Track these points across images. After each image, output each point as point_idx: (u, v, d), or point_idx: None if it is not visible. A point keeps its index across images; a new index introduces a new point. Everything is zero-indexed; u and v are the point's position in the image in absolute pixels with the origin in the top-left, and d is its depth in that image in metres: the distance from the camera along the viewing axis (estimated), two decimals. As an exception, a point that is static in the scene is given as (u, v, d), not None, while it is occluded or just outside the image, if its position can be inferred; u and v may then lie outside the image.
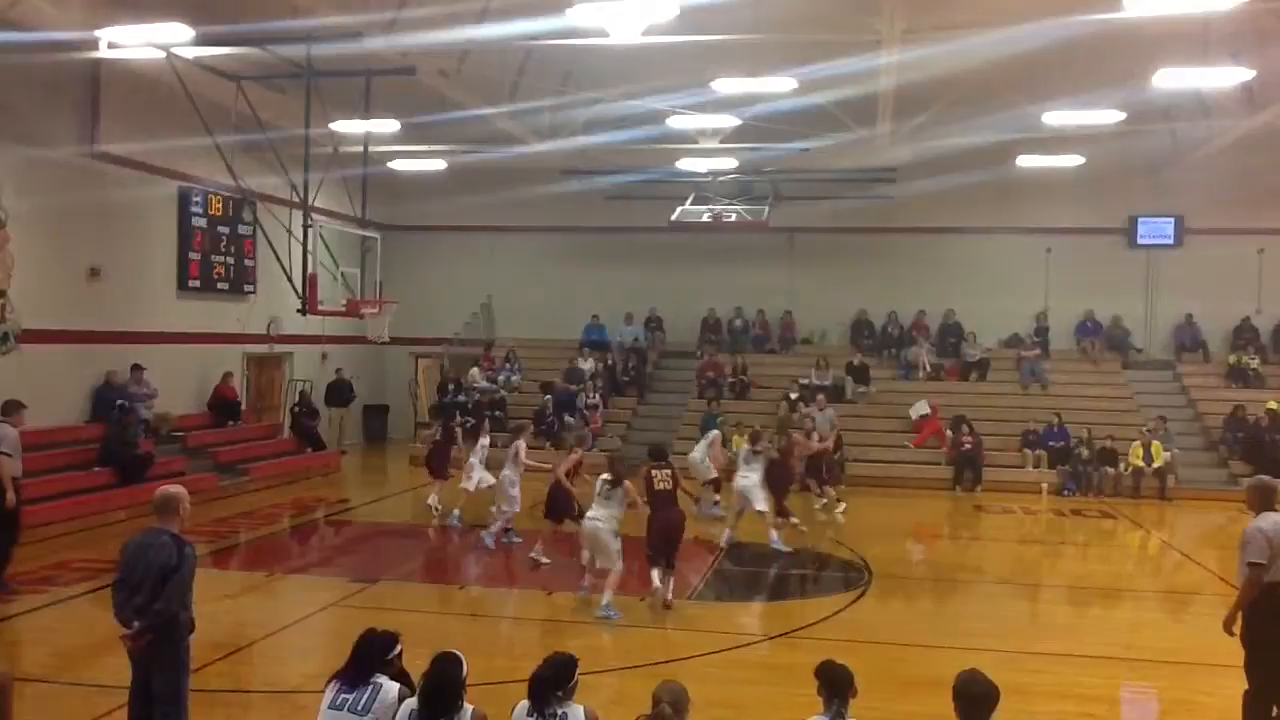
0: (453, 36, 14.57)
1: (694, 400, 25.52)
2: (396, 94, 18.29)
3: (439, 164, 24.06)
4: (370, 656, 5.60)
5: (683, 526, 11.83)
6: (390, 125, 19.68)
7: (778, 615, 11.81)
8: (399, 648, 5.75)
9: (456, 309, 28.07)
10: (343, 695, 5.48)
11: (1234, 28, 13.78)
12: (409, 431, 27.40)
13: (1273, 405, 22.90)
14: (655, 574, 11.56)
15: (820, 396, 22.58)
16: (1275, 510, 7.78)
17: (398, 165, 23.85)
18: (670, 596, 11.58)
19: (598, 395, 25.49)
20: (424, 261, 27.68)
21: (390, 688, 5.49)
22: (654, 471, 11.66)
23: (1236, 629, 7.67)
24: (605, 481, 11.34)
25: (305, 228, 17.66)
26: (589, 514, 11.43)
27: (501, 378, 26.38)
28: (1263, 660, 7.50)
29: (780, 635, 10.80)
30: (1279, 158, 20.49)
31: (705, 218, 24.61)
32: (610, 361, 26.83)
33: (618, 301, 27.63)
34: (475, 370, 26.29)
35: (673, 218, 24.57)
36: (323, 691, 5.67)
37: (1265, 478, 8.40)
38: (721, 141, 21.45)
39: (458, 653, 5.31)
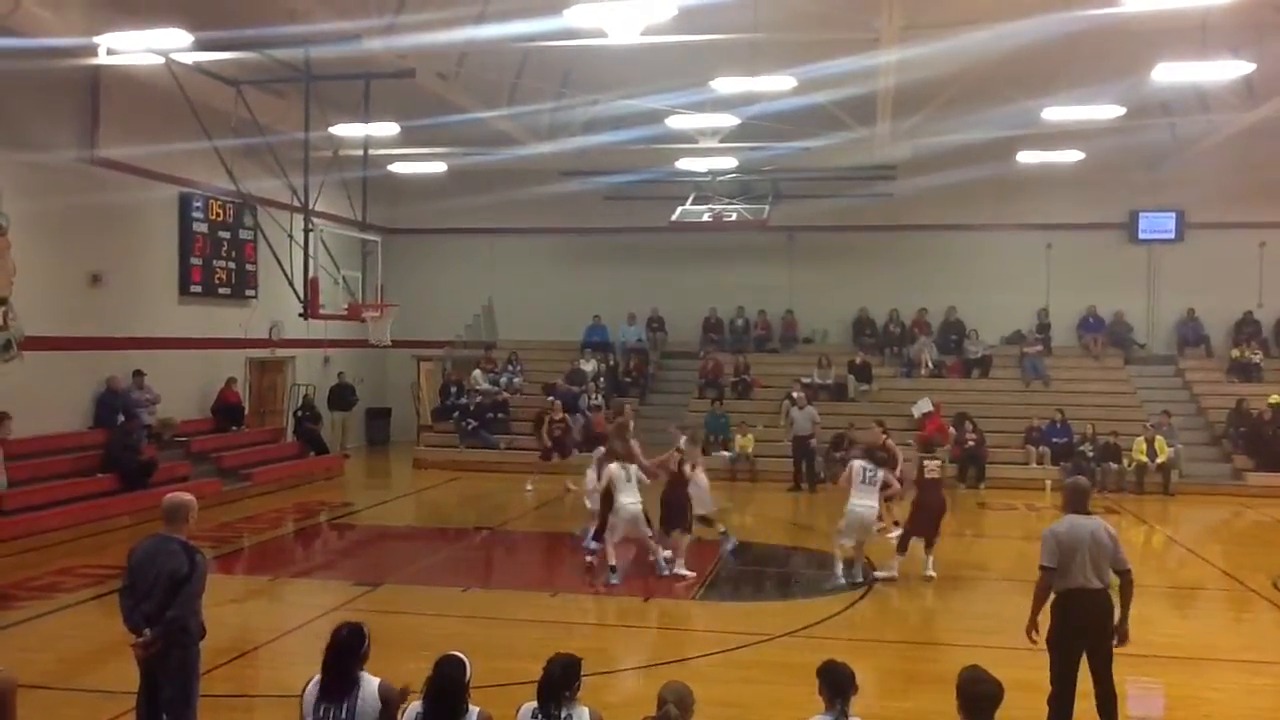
0: (451, 39, 14.57)
1: (696, 400, 25.51)
2: (396, 97, 18.29)
3: (439, 166, 24.07)
4: (349, 658, 5.43)
5: (944, 509, 13.67)
6: (390, 128, 19.69)
7: (781, 615, 11.78)
8: (367, 642, 5.50)
9: (458, 311, 28.08)
10: (325, 705, 5.30)
11: (1233, 22, 13.76)
12: (412, 434, 27.42)
13: (1275, 399, 22.86)
14: (929, 559, 13.21)
15: (799, 395, 22.45)
16: (1085, 514, 7.71)
17: (398, 168, 23.86)
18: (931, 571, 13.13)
19: (600, 396, 25.48)
20: (425, 264, 27.71)
21: (370, 681, 5.37)
22: (926, 462, 13.51)
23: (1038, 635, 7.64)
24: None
25: (306, 232, 17.67)
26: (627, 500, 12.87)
27: (504, 380, 26.38)
28: (1057, 664, 7.53)
29: (784, 635, 10.78)
30: (1276, 152, 20.46)
31: (705, 217, 24.60)
32: (612, 362, 26.83)
33: (619, 302, 27.63)
34: (477, 372, 26.29)
35: (673, 218, 24.56)
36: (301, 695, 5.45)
37: (1080, 479, 8.22)
38: (721, 141, 21.46)
39: (461, 655, 5.30)
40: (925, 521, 13.33)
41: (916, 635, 11.08)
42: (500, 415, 25.24)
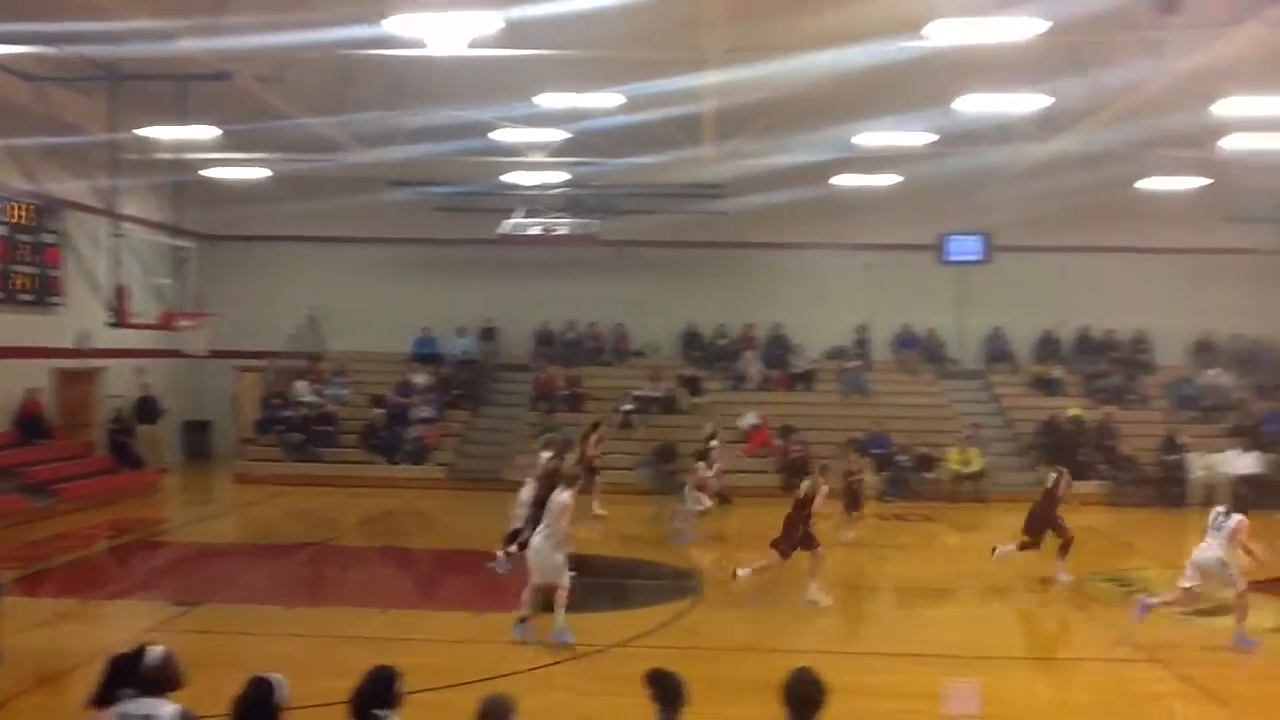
0: (269, 42, 14.13)
1: (529, 413, 25.47)
2: (216, 100, 17.66)
3: (263, 172, 23.33)
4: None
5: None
6: (209, 131, 18.99)
7: (615, 625, 11.87)
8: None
9: (283, 321, 27.20)
10: None
11: (1032, 57, 14.64)
12: (234, 448, 26.42)
13: (1073, 412, 24.44)
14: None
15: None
16: None
17: (218, 173, 23.01)
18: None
19: (431, 409, 25.16)
20: (249, 272, 26.81)
21: (165, 708, 5.13)
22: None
23: None
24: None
25: (113, 236, 16.84)
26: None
27: (330, 392, 25.74)
28: None
29: (616, 645, 10.87)
30: (1075, 180, 21.81)
31: (535, 231, 24.55)
32: (443, 374, 26.53)
33: (450, 314, 27.34)
34: (302, 384, 25.57)
35: (501, 230, 24.43)
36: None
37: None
38: (551, 155, 21.51)
39: (273, 676, 5.15)
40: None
41: (747, 642, 11.32)
42: (327, 428, 24.63)
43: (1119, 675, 10.63)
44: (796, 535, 12.96)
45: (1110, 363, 26.67)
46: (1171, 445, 23.14)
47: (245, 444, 25.66)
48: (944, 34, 12.70)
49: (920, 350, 27.39)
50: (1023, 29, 12.70)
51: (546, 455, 14.58)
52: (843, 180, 23.20)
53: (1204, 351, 26.76)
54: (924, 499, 22.08)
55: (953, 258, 27.40)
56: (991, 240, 27.08)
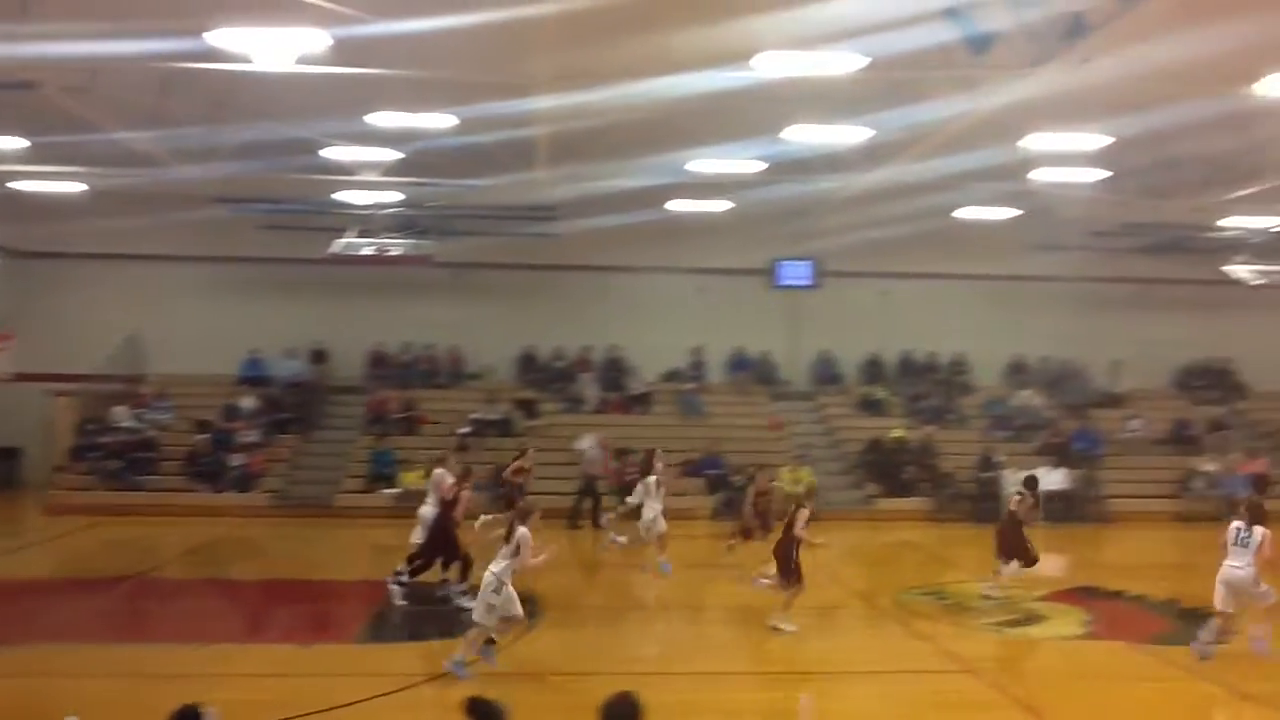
0: (78, 51, 13.46)
1: (363, 437, 24.94)
2: (23, 110, 16.75)
3: (77, 186, 22.21)
4: None
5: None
6: (16, 143, 17.99)
7: (444, 653, 11.68)
8: None
9: (101, 342, 25.80)
10: None
11: (856, 91, 15.23)
12: (46, 477, 24.91)
13: (897, 432, 25.40)
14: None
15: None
16: None
17: (27, 186, 21.80)
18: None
19: (258, 433, 24.36)
20: (62, 290, 25.48)
21: None
22: None
23: None
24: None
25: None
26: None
27: (151, 416, 24.64)
28: None
29: (445, 674, 10.70)
30: (898, 209, 22.73)
31: (368, 251, 24.03)
32: (272, 397, 25.72)
33: (279, 334, 26.55)
34: (120, 408, 24.41)
35: (332, 249, 23.83)
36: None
37: None
38: (385, 175, 21.16)
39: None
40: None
41: (579, 666, 11.30)
42: (147, 455, 23.57)
43: (936, 687, 11.04)
44: (795, 560, 12.90)
45: (931, 384, 27.84)
46: (987, 463, 24.26)
47: (58, 472, 24.28)
48: (770, 66, 13.10)
49: (753, 372, 28.01)
50: (845, 64, 13.22)
51: (443, 474, 14.44)
52: (677, 205, 23.58)
53: (1017, 373, 28.22)
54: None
55: (784, 282, 28.16)
56: (820, 266, 27.94)
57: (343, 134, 18.06)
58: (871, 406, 27.11)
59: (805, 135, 16.91)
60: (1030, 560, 14.69)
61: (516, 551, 10.49)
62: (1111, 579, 17.00)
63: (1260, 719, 10.03)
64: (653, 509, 16.53)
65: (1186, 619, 13.82)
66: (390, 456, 23.51)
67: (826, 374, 28.21)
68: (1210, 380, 28.38)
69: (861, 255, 26.41)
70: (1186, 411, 27.19)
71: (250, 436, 24.22)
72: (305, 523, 21.81)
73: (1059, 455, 24.73)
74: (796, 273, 28.10)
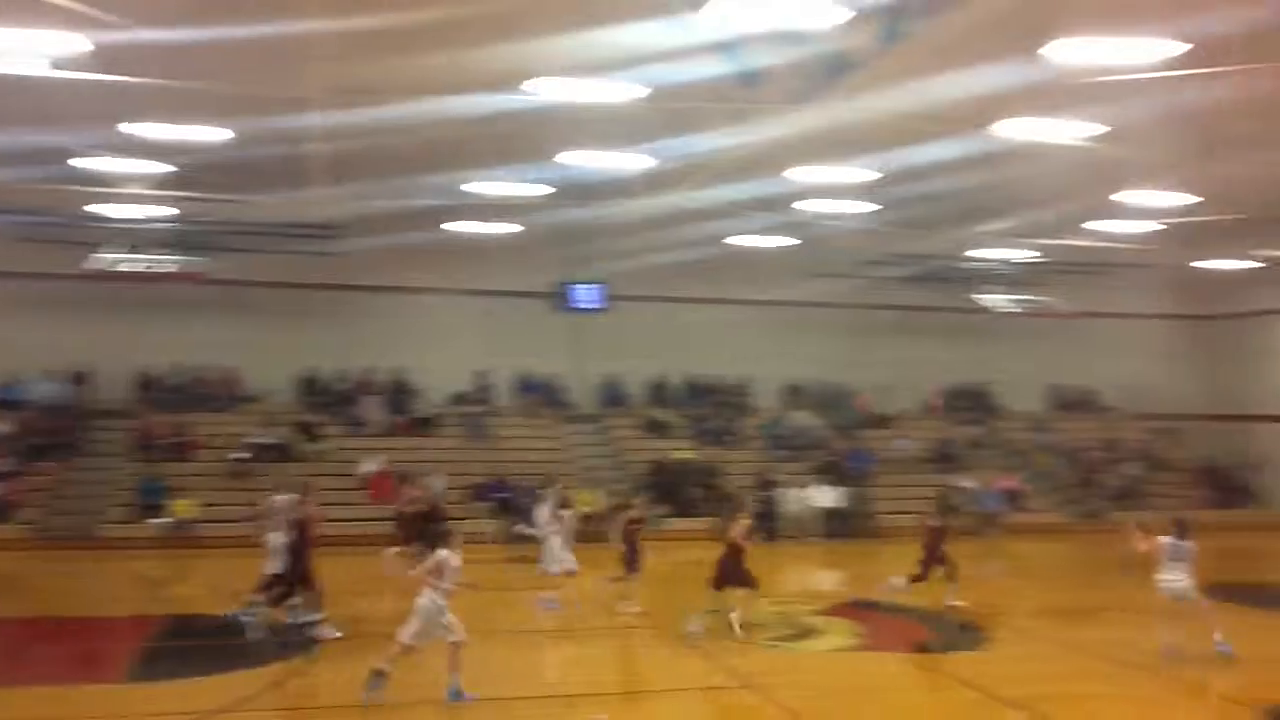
0: None
1: (129, 463, 23.59)
2: None
3: None
4: None
5: None
6: None
7: (216, 689, 11.13)
8: None
9: None
10: None
11: (637, 119, 15.56)
12: None
13: (682, 453, 25.99)
14: None
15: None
16: None
17: None
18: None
19: (12, 460, 22.67)
20: None
21: None
22: None
23: None
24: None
25: None
26: None
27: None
28: None
29: (217, 711, 10.21)
30: (681, 235, 23.30)
31: (133, 267, 22.63)
32: (27, 422, 23.98)
33: (36, 355, 24.77)
34: None
35: (92, 265, 22.37)
36: None
37: None
38: (154, 188, 20.10)
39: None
40: None
41: (356, 698, 10.97)
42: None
43: (716, 704, 11.33)
44: (743, 570, 13.87)
45: (714, 406, 28.62)
46: (766, 482, 25.13)
47: None
48: (547, 91, 13.24)
49: (541, 395, 28.09)
50: (622, 92, 13.50)
51: (285, 500, 14.19)
52: (459, 226, 23.31)
53: (794, 395, 29.37)
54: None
55: (574, 305, 28.41)
56: (609, 290, 28.33)
57: (106, 144, 17.07)
58: (657, 428, 27.64)
59: (584, 160, 17.15)
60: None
61: (441, 574, 10.34)
62: (883, 592, 17.84)
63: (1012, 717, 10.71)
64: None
65: (951, 627, 14.69)
66: (159, 484, 22.35)
67: (613, 396, 28.57)
68: (968, 401, 30.31)
69: (647, 280, 26.95)
70: (947, 431, 28.93)
71: (4, 465, 22.52)
72: (67, 555, 20.45)
73: (833, 474, 25.87)
74: (585, 296, 28.41)
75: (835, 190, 19.58)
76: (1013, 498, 26.07)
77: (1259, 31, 11.32)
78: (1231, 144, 16.33)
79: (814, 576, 20.81)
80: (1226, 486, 28.63)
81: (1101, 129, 15.07)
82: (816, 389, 29.45)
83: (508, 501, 23.54)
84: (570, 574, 17.83)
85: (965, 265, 26.82)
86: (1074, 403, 31.12)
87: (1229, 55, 12.52)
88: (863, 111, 14.68)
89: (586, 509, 23.29)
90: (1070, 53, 11.63)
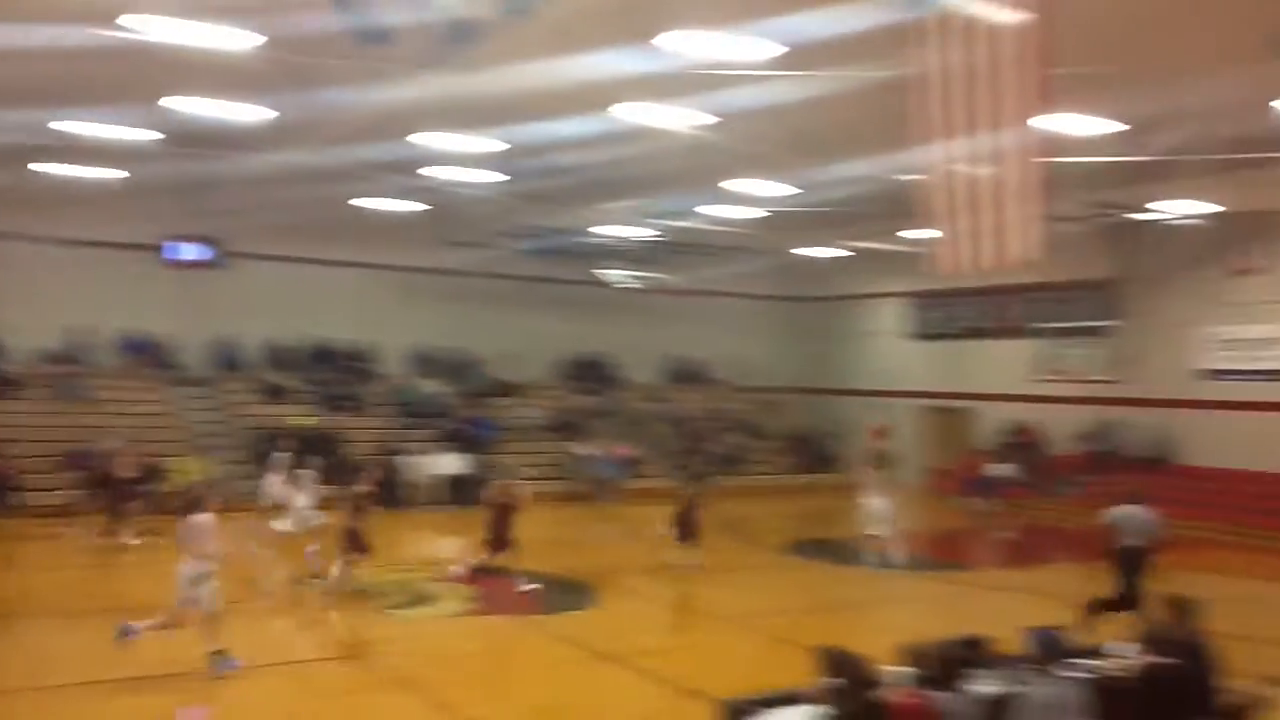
0: None
1: None
2: None
3: None
4: None
5: None
6: None
7: None
8: None
9: None
10: None
11: (255, 68, 14.71)
12: None
13: (302, 420, 25.10)
14: None
15: None
16: None
17: None
18: None
19: None
20: None
21: None
22: None
23: None
24: None
25: None
26: None
27: None
28: None
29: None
30: (305, 193, 22.32)
31: None
32: None
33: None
34: None
35: None
36: None
37: None
38: None
39: None
40: None
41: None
42: None
43: (317, 675, 11.10)
44: (507, 535, 14.91)
45: (339, 372, 27.87)
46: (392, 450, 24.81)
47: None
48: (147, 29, 12.20)
49: (148, 355, 26.08)
50: (237, 39, 12.71)
51: None
52: (48, 168, 20.98)
53: (421, 362, 29.18)
54: (152, 513, 20.84)
55: (179, 259, 26.53)
56: (223, 246, 26.72)
57: None
58: (275, 393, 26.51)
59: (195, 108, 16.02)
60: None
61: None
62: (499, 557, 18.19)
63: (608, 673, 11.26)
64: None
65: (562, 589, 15.24)
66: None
67: (227, 359, 27.06)
68: (589, 372, 31.45)
69: (271, 238, 25.72)
70: (568, 401, 29.88)
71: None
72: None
73: (459, 441, 25.99)
74: (194, 252, 26.62)
75: (463, 158, 19.54)
76: (629, 464, 27.35)
77: (847, 40, 12.42)
78: (824, 141, 17.95)
79: (435, 544, 20.84)
80: (814, 453, 31.59)
81: (710, 119, 16.00)
82: (444, 356, 29.41)
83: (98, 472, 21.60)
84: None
85: (589, 241, 27.70)
86: (687, 375, 33.10)
87: (820, 59, 13.77)
88: (489, 82, 14.73)
89: (194, 478, 22.01)
90: (682, 44, 12.23)
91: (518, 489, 16.14)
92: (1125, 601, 11.94)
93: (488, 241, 27.52)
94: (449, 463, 25.15)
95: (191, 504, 10.79)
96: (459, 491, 24.25)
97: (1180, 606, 7.82)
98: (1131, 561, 12.20)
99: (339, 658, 11.89)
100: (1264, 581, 17.61)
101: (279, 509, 17.47)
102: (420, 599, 14.58)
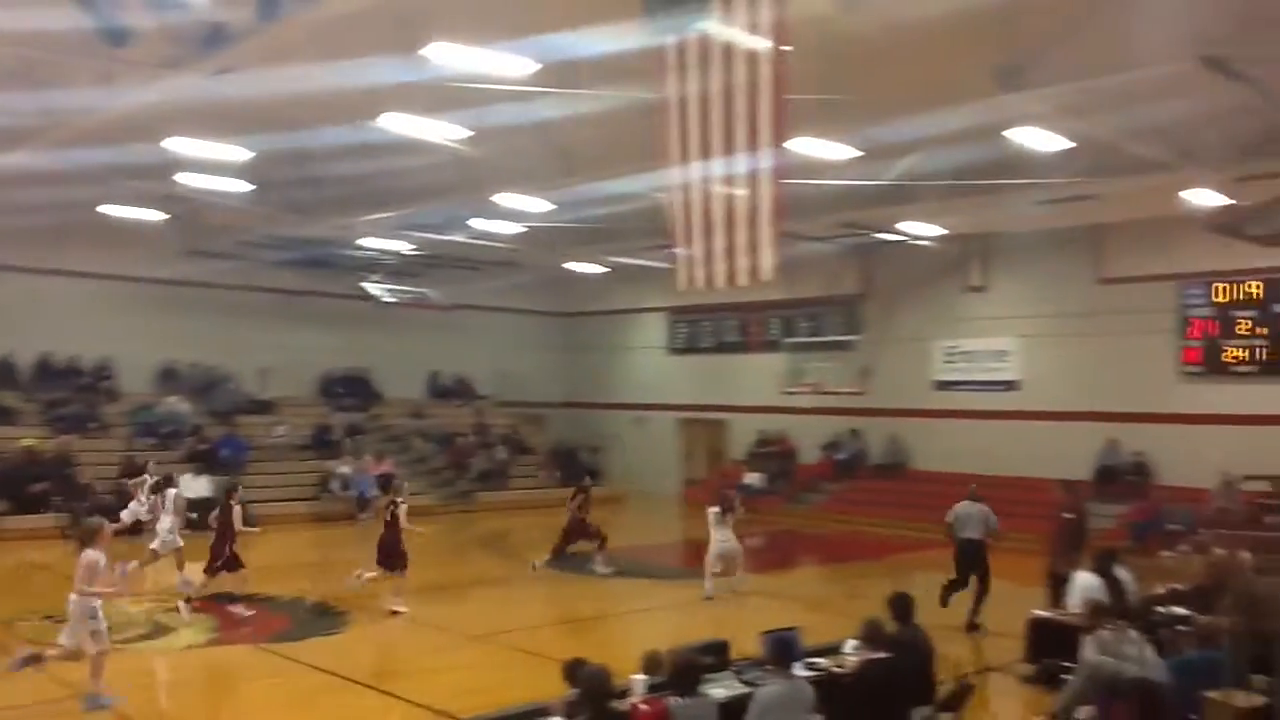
0: None
1: None
2: None
3: None
4: None
5: None
6: None
7: None
8: None
9: None
10: None
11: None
12: None
13: (29, 441, 23.29)
14: None
15: None
16: None
17: None
18: None
19: None
20: None
21: None
22: None
23: None
24: None
25: None
26: None
27: None
28: None
29: None
30: (38, 198, 20.72)
31: None
32: None
33: None
34: None
35: None
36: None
37: None
38: None
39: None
40: None
41: None
42: None
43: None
44: (399, 549, 14.83)
45: (72, 390, 26.00)
46: (131, 472, 23.31)
47: None
48: None
49: None
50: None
51: None
52: None
53: (167, 379, 27.63)
54: None
55: None
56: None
57: None
58: (2, 414, 24.48)
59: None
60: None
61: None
62: (246, 583, 17.46)
63: (354, 698, 10.98)
64: None
65: (310, 614, 14.76)
66: None
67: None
68: (350, 388, 30.63)
69: (-1, 244, 23.76)
70: (328, 418, 29.00)
71: None
72: None
73: (205, 462, 24.74)
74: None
75: (213, 166, 18.67)
76: (387, 482, 26.77)
77: (611, 60, 12.67)
78: (586, 159, 18.25)
79: (178, 572, 19.74)
80: (576, 467, 31.86)
81: (470, 133, 15.98)
82: (190, 373, 27.98)
83: None
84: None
85: (350, 253, 27.04)
86: (450, 391, 32.77)
87: (584, 78, 14.02)
88: (243, 87, 14.21)
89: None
90: (447, 56, 12.15)
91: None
92: (963, 584, 13.83)
93: (242, 253, 26.39)
94: (194, 485, 23.82)
95: (83, 538, 10.46)
96: (204, 515, 23.10)
97: (901, 604, 8.41)
98: (969, 552, 13.92)
99: (62, 699, 11.06)
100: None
101: None
102: (157, 631, 13.81)
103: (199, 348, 27.73)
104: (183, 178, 19.57)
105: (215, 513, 15.72)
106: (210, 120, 16.10)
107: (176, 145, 17.05)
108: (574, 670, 6.28)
